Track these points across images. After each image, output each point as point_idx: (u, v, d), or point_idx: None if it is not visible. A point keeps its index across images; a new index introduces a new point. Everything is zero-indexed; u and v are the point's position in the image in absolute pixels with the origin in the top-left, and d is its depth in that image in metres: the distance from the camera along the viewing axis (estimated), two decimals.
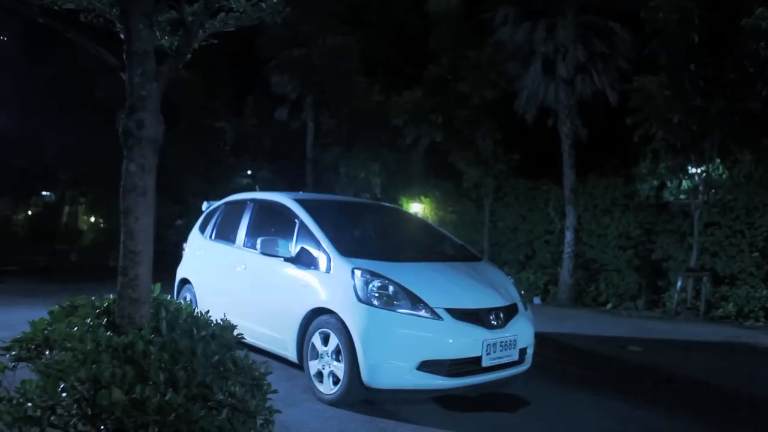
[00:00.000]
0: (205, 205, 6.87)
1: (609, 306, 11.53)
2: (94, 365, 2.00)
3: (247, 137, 18.18)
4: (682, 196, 11.12)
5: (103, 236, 24.81)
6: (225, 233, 6.11)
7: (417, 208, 14.35)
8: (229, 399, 2.07)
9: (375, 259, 4.62)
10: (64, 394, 1.94)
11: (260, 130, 17.59)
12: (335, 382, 4.36)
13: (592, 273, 12.09)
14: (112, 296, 2.78)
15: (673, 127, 9.81)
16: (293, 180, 16.35)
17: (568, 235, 11.89)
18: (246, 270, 5.42)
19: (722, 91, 9.79)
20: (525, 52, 11.89)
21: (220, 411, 2.03)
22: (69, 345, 2.15)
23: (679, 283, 10.38)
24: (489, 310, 4.44)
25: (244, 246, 5.63)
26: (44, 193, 29.08)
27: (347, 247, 4.71)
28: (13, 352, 2.31)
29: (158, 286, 2.87)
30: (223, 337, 2.45)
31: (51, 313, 2.57)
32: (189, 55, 2.76)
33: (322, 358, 4.46)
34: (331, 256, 4.58)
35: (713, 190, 10.60)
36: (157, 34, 2.83)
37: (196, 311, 2.76)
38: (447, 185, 14.20)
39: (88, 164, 22.73)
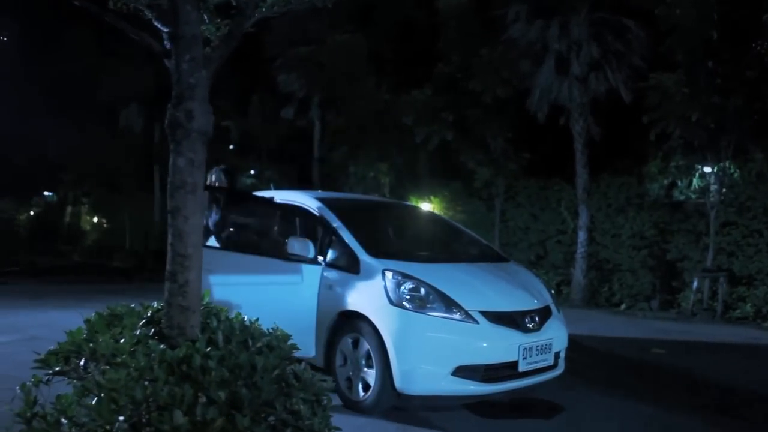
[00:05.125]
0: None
1: (623, 307, 11.37)
2: (147, 383, 1.81)
3: (252, 136, 18.04)
4: (692, 195, 10.96)
5: (106, 236, 24.68)
6: (243, 233, 5.91)
7: (426, 207, 14.20)
8: (292, 418, 1.88)
9: (404, 260, 4.47)
10: (120, 417, 1.74)
11: (266, 129, 17.44)
12: (365, 389, 4.21)
13: (606, 273, 11.93)
14: (155, 304, 2.59)
15: (692, 125, 9.64)
16: (299, 179, 16.21)
17: (581, 235, 11.73)
18: (267, 271, 5.23)
19: (740, 89, 9.63)
20: (537, 50, 11.72)
21: None
22: (119, 360, 1.96)
23: (695, 284, 10.22)
24: (524, 313, 4.29)
25: (264, 247, 5.45)
26: (46, 193, 28.93)
27: (375, 248, 4.55)
28: (57, 368, 2.11)
29: (207, 292, 2.67)
30: (280, 348, 2.26)
31: (88, 322, 2.37)
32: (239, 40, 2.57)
33: (352, 363, 4.30)
34: (359, 257, 4.41)
35: (726, 189, 10.43)
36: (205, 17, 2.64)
37: (245, 319, 2.58)
38: (456, 185, 14.05)
39: (91, 164, 22.62)
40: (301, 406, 1.93)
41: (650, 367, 6.29)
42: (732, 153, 10.17)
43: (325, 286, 4.57)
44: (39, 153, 24.18)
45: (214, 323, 2.36)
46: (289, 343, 2.30)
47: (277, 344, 2.27)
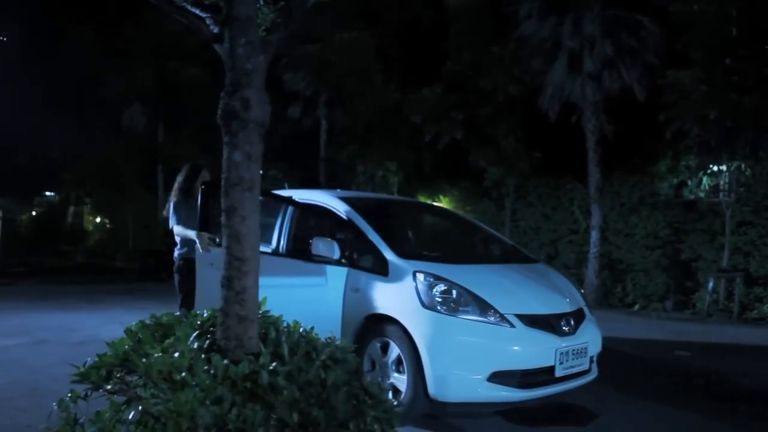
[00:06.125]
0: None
1: (636, 307, 11.21)
2: (213, 405, 1.62)
3: None
4: (701, 194, 10.81)
5: (109, 237, 24.51)
6: (262, 233, 5.72)
7: None
8: None
9: (433, 261, 4.31)
10: None
11: (271, 127, 17.25)
12: (395, 395, 4.04)
13: (619, 273, 11.78)
14: (205, 313, 2.40)
15: (709, 124, 9.48)
16: (305, 179, 16.02)
17: (594, 235, 11.57)
18: (289, 273, 5.05)
19: (757, 87, 9.48)
20: (549, 47, 11.57)
21: None
22: (178, 378, 1.78)
23: (710, 284, 10.07)
24: (559, 316, 4.14)
25: (282, 250, 5.26)
26: (48, 193, 28.75)
27: (403, 249, 4.39)
28: (108, 386, 1.91)
29: (265, 299, 2.48)
30: (345, 361, 2.07)
31: (129, 332, 2.17)
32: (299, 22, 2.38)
33: (380, 368, 4.13)
34: (387, 258, 4.24)
35: (743, 188, 10.27)
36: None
37: (301, 329, 2.38)
38: (466, 184, 13.90)
39: (93, 164, 22.46)
40: (375, 426, 1.76)
41: (678, 370, 6.13)
42: (749, 151, 10.02)
43: (351, 289, 4.39)
44: (41, 152, 24.04)
45: (273, 333, 2.17)
46: (351, 354, 2.12)
47: (342, 356, 2.08)
